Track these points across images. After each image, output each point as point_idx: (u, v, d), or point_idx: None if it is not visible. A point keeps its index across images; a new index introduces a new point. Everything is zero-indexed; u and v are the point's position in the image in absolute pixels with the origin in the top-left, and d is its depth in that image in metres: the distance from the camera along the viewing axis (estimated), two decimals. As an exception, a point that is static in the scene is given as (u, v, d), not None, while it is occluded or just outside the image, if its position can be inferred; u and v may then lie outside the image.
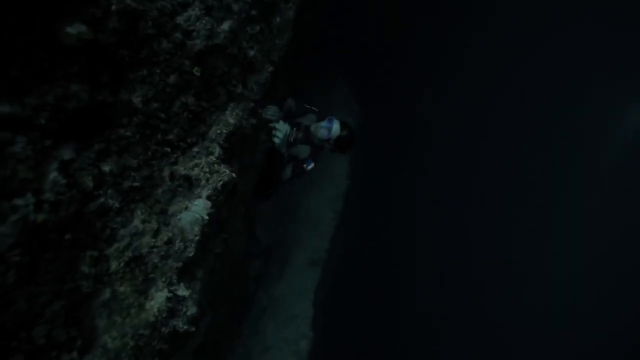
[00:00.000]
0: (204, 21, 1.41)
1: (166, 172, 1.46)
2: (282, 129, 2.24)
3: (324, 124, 2.43)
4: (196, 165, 1.50)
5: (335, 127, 2.39)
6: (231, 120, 1.64)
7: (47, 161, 1.06)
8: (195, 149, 1.57)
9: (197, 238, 1.39)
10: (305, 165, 2.41)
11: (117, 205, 1.27)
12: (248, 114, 1.79)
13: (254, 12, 1.59)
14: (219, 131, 1.62)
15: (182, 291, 1.46)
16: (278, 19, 1.84)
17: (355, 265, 6.42)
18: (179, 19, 1.33)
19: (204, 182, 1.50)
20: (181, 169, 1.47)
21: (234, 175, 1.52)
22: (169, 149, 1.47)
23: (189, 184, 1.49)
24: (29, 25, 0.96)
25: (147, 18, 1.23)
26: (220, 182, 1.50)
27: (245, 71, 1.72)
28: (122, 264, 1.32)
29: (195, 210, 1.39)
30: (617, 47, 7.06)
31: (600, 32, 6.98)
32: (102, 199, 1.22)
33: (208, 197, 1.44)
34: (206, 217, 1.39)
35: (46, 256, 1.09)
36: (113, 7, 1.14)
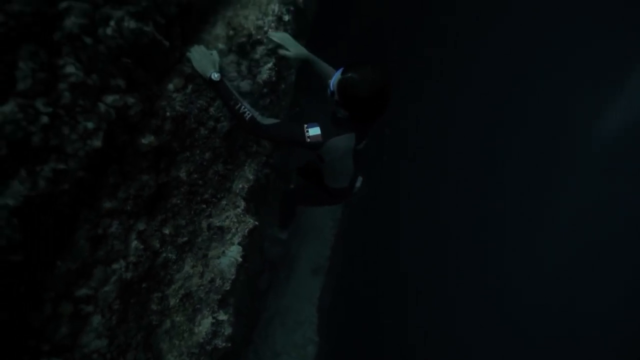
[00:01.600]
0: (229, 106, 1.84)
1: (204, 224, 1.90)
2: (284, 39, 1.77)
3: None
4: (227, 217, 1.94)
5: (337, 73, 1.48)
6: (250, 176, 2.07)
7: (130, 234, 1.50)
8: (224, 202, 2.01)
9: (233, 277, 1.83)
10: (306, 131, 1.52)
11: (174, 257, 1.71)
12: (262, 166, 2.23)
13: (265, 90, 2.03)
14: (241, 186, 2.06)
15: (221, 316, 1.91)
16: (283, 86, 2.28)
17: (359, 269, 6.88)
18: (211, 110, 1.76)
19: (234, 230, 1.94)
20: (215, 221, 1.91)
21: (257, 223, 1.97)
22: (204, 206, 1.91)
23: (222, 232, 1.93)
24: (120, 145, 1.39)
25: (191, 116, 1.66)
26: (247, 230, 1.94)
27: (259, 133, 2.15)
28: (177, 300, 1.76)
29: (231, 255, 1.83)
30: (596, 53, 7.55)
31: (580, 38, 7.45)
32: (164, 254, 1.66)
33: (239, 243, 1.88)
34: (240, 259, 1.84)
35: (131, 301, 1.52)
36: (167, 114, 1.57)
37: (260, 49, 1.84)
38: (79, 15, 1.13)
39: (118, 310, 1.43)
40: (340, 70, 1.47)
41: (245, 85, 1.87)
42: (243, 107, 1.51)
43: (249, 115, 1.50)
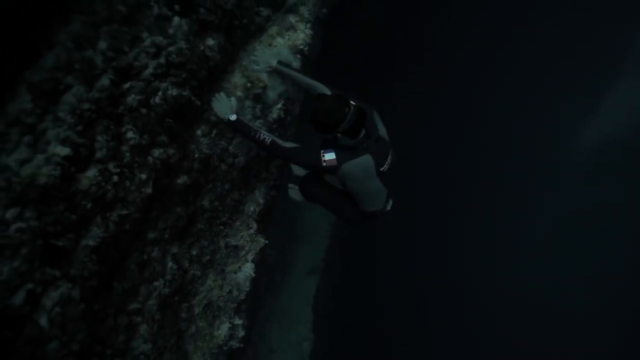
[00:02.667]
0: (245, 143, 2.17)
1: (222, 244, 2.25)
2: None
3: None
4: (241, 237, 2.29)
5: None
6: (260, 200, 2.42)
7: (166, 257, 1.84)
8: (238, 223, 2.36)
9: (247, 289, 2.19)
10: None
11: (199, 273, 2.05)
12: (269, 189, 2.57)
13: (275, 126, 2.36)
14: (252, 208, 2.40)
15: (237, 321, 2.27)
16: (289, 119, 2.61)
17: (353, 269, 7.26)
18: (230, 148, 2.09)
19: (247, 248, 2.29)
20: (232, 241, 2.26)
21: (267, 242, 2.32)
22: (222, 227, 2.25)
23: (237, 250, 2.28)
24: (161, 186, 1.72)
25: (215, 156, 1.99)
26: (259, 248, 2.29)
27: (268, 162, 2.49)
28: (201, 309, 2.11)
29: (246, 271, 2.18)
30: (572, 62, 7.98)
31: (554, 47, 7.86)
32: (192, 271, 2.00)
33: (252, 260, 2.23)
34: (253, 274, 2.19)
35: (167, 312, 1.87)
36: (196, 156, 1.90)
37: (272, 95, 2.17)
38: (137, 92, 1.45)
39: (158, 319, 1.77)
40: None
41: (258, 124, 2.21)
42: (262, 134, 1.75)
43: (269, 139, 1.74)
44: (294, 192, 2.29)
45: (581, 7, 7.37)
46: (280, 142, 1.75)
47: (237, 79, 2.11)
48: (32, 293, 1.17)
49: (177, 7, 1.57)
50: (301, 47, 2.27)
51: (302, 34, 2.30)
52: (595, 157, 9.16)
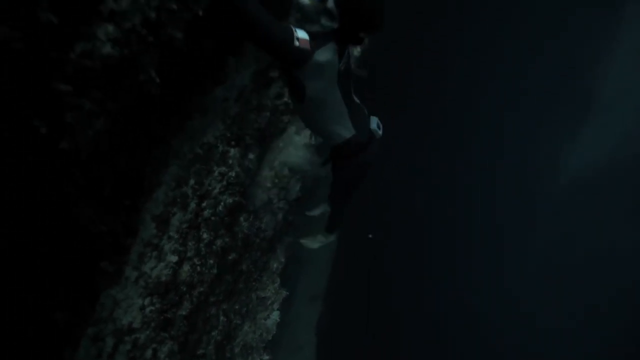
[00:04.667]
0: (272, 220, 2.92)
1: (254, 296, 2.98)
2: None
3: None
4: (268, 290, 3.02)
5: None
6: (282, 259, 3.16)
7: (219, 312, 2.56)
8: (265, 278, 3.09)
9: (274, 332, 2.90)
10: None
11: (239, 322, 2.77)
12: (290, 247, 3.31)
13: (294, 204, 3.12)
14: (275, 265, 3.14)
15: (265, 357, 2.98)
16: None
17: (355, 294, 7.89)
18: (262, 225, 2.84)
19: (272, 298, 3.02)
20: (261, 294, 2.99)
21: (288, 293, 3.05)
22: (254, 283, 2.98)
23: (265, 300, 3.01)
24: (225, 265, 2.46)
25: (252, 234, 2.74)
26: (282, 298, 3.02)
27: (288, 228, 3.24)
28: (239, 349, 2.83)
29: (274, 318, 2.91)
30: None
31: (545, 74, 8.49)
32: (234, 321, 2.72)
33: (278, 309, 2.96)
34: (279, 320, 2.91)
35: (219, 354, 2.58)
36: (239, 236, 2.65)
37: (295, 185, 2.95)
38: (209, 207, 2.21)
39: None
40: None
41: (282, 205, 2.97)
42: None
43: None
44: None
45: (555, 50, 8.25)
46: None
47: (265, 172, 2.88)
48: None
49: (233, 142, 2.35)
50: (313, 142, 3.06)
51: (313, 132, 3.09)
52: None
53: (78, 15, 1.18)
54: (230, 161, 2.33)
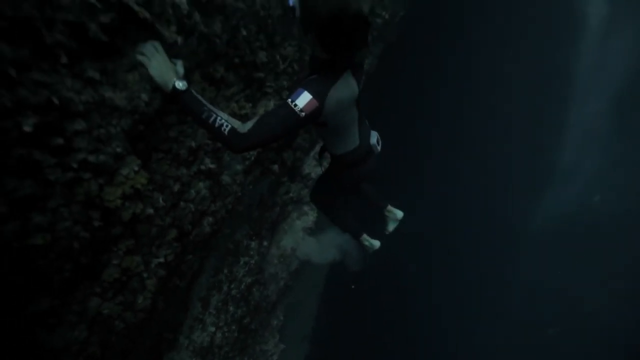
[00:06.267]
0: (275, 278, 3.81)
1: (257, 349, 3.80)
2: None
3: None
4: (269, 344, 3.84)
5: None
6: (281, 317, 4.01)
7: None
8: (267, 333, 3.93)
9: (274, 379, 3.71)
10: None
11: (247, 371, 3.59)
12: (285, 308, 4.17)
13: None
14: (275, 322, 3.99)
15: (264, 400, 3.76)
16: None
17: (341, 335, 8.51)
18: (267, 292, 3.72)
19: (272, 351, 3.84)
20: (264, 347, 3.81)
21: (284, 346, 3.88)
22: (258, 338, 3.81)
23: (267, 353, 3.83)
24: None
25: (256, 293, 3.61)
26: (280, 350, 3.84)
27: (288, 284, 4.12)
28: (245, 393, 3.61)
29: (274, 368, 3.72)
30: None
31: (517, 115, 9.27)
32: (244, 371, 3.54)
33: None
34: (277, 370, 3.73)
35: (232, 397, 3.38)
36: (244, 295, 3.52)
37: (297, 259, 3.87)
38: (235, 288, 3.12)
39: (229, 402, 3.28)
40: None
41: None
42: (219, 118, 1.17)
43: (228, 127, 1.17)
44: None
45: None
46: (239, 127, 1.19)
47: (273, 250, 3.81)
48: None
49: (254, 237, 3.28)
50: (310, 227, 4.02)
51: (311, 217, 4.06)
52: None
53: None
54: (252, 252, 3.25)
